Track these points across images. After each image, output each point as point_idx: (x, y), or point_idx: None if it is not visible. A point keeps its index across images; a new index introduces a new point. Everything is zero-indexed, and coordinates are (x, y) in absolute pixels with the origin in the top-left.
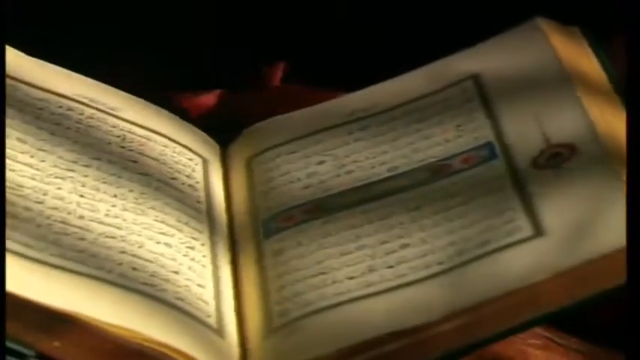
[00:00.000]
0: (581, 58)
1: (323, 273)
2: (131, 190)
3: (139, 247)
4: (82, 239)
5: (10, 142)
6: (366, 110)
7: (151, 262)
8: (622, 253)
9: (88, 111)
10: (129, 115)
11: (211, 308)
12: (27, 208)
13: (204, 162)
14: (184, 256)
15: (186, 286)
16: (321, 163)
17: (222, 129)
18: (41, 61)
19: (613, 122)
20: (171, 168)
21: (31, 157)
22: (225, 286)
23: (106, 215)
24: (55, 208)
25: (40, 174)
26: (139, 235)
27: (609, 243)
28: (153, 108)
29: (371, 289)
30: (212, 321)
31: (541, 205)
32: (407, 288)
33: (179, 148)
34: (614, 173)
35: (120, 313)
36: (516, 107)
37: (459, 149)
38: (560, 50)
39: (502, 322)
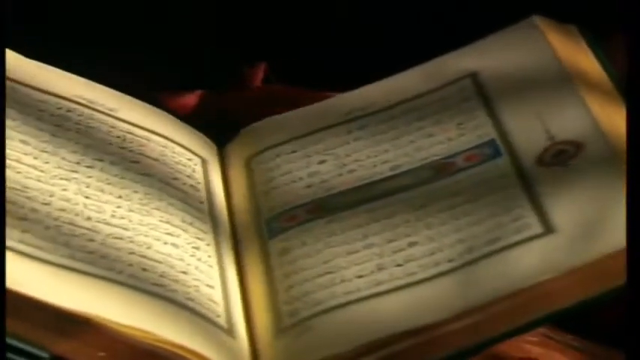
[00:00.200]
0: (580, 56)
1: (331, 272)
2: (135, 191)
3: (147, 247)
4: (91, 240)
5: (14, 144)
6: (363, 109)
7: (159, 262)
8: None
9: (87, 112)
10: (127, 115)
11: (221, 308)
12: (34, 210)
13: (203, 162)
14: (191, 256)
15: (196, 286)
16: (322, 162)
17: (207, 129)
18: (39, 63)
19: (617, 120)
20: (172, 168)
21: (35, 158)
22: (233, 286)
23: (113, 216)
24: (63, 210)
25: (44, 175)
26: (147, 235)
27: (620, 241)
28: (149, 108)
29: (381, 288)
30: (222, 321)
31: (549, 203)
32: (418, 286)
33: (178, 149)
34: (621, 171)
35: (133, 314)
36: (517, 105)
37: (462, 147)
38: (558, 48)
39: (514, 320)
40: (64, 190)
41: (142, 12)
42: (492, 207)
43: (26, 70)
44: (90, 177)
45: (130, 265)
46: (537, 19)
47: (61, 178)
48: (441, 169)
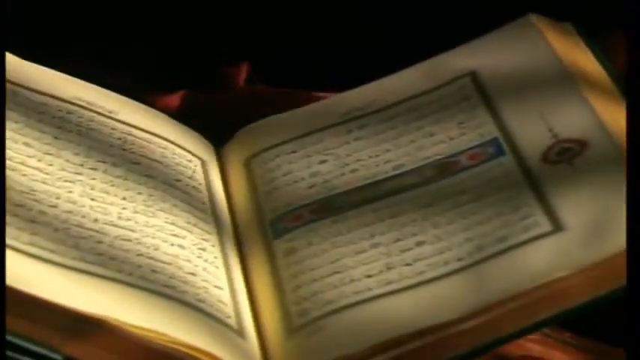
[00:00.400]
0: (578, 54)
1: (339, 272)
2: (139, 193)
3: (155, 249)
4: (100, 242)
5: (17, 147)
6: (362, 109)
7: (168, 264)
8: None
9: (88, 114)
10: (127, 117)
11: (230, 309)
12: (42, 212)
13: (203, 163)
14: (198, 257)
15: (205, 287)
16: (322, 162)
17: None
18: (37, 65)
19: (620, 117)
20: (174, 170)
21: (39, 161)
22: (239, 286)
23: (119, 218)
24: (70, 212)
25: (50, 178)
26: (154, 237)
27: None
28: (148, 110)
29: (391, 287)
30: (232, 322)
31: (557, 201)
32: (428, 285)
33: (178, 150)
34: None
35: (146, 316)
36: (519, 103)
37: (464, 146)
38: (557, 46)
39: (526, 318)
40: (70, 192)
41: (132, 11)
42: (499, 205)
43: (25, 73)
44: (94, 179)
45: (140, 266)
46: (534, 18)
47: (66, 181)
48: (445, 168)
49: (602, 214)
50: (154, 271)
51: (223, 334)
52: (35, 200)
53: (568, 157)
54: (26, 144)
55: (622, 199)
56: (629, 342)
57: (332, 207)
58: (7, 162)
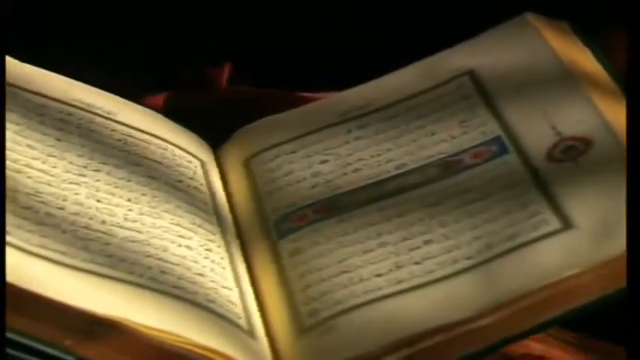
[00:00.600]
0: (576, 52)
1: (347, 271)
2: (143, 194)
3: (163, 250)
4: (108, 244)
5: (21, 149)
6: (360, 109)
7: (176, 265)
8: None
9: (87, 116)
10: (125, 118)
11: (240, 310)
12: (50, 215)
13: (202, 164)
14: (205, 258)
15: (214, 288)
16: (324, 162)
17: None
18: (34, 67)
19: (622, 115)
20: (175, 171)
21: (43, 163)
22: (247, 287)
23: (125, 219)
24: (77, 214)
25: (55, 180)
26: (161, 238)
27: None
28: (145, 111)
29: (401, 286)
30: (243, 322)
31: (565, 199)
32: (439, 284)
33: (178, 151)
34: None
35: (159, 317)
36: (520, 102)
37: (467, 145)
38: (555, 44)
39: (537, 316)
40: (76, 194)
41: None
42: (506, 204)
43: (22, 74)
44: (98, 180)
45: (149, 268)
46: (530, 16)
47: (71, 182)
48: (448, 166)
49: (610, 212)
50: (163, 272)
51: (235, 334)
52: (42, 202)
53: (573, 155)
54: (29, 146)
55: None
56: (629, 342)
57: (336, 207)
58: (13, 164)
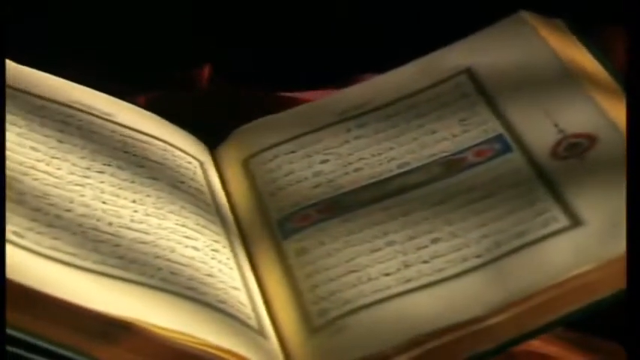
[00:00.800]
0: (574, 50)
1: (355, 271)
2: (148, 195)
3: (171, 251)
4: (117, 246)
5: (24, 151)
6: (358, 108)
7: (186, 266)
8: None
9: (87, 117)
10: (123, 120)
11: (249, 310)
12: (58, 217)
13: (201, 164)
14: (212, 259)
15: (223, 288)
16: (324, 162)
17: None
18: (32, 69)
19: (624, 111)
20: (176, 172)
21: (47, 165)
22: (254, 287)
23: (132, 221)
24: (85, 216)
25: (61, 182)
26: (168, 239)
27: None
28: (143, 112)
29: (410, 285)
30: (253, 322)
31: (572, 196)
32: (449, 282)
33: (177, 152)
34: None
35: (172, 318)
36: (520, 100)
37: (469, 143)
38: (552, 42)
39: (549, 314)
40: (82, 195)
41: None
42: (512, 202)
43: (20, 76)
44: (102, 182)
45: (159, 269)
46: (525, 14)
47: (76, 184)
48: (452, 165)
49: (620, 208)
50: (173, 273)
51: (247, 334)
52: (50, 204)
53: (577, 152)
54: (33, 148)
55: None
56: (629, 342)
57: (340, 206)
58: (18, 166)
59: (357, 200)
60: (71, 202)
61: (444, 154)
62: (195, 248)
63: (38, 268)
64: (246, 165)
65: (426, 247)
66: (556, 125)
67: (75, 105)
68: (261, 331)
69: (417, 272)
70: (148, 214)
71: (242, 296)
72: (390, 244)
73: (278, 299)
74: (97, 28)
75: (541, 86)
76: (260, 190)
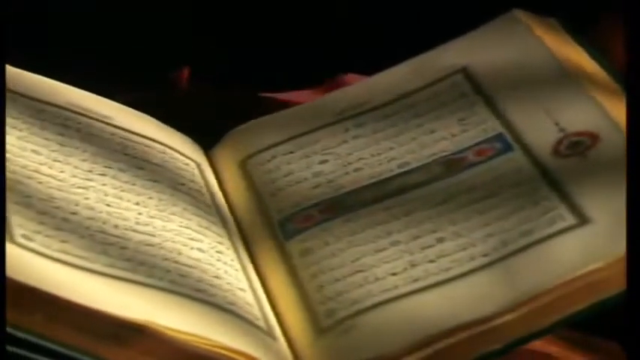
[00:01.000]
0: (569, 48)
1: (361, 271)
2: (150, 198)
3: (178, 253)
4: (125, 248)
5: (27, 155)
6: (355, 108)
7: (193, 268)
8: None
9: (85, 120)
10: (121, 122)
11: (257, 311)
12: (66, 220)
13: (198, 166)
14: (217, 260)
15: (231, 290)
16: (323, 162)
17: None
18: (29, 72)
19: (622, 107)
20: (176, 174)
21: (50, 168)
22: (259, 288)
23: (137, 223)
24: (91, 219)
25: (64, 185)
26: (174, 241)
27: None
28: (137, 114)
29: (418, 285)
30: (262, 323)
31: (578, 193)
32: (457, 281)
33: (175, 154)
34: None
35: (184, 320)
36: (518, 99)
37: (469, 142)
38: (547, 41)
39: (559, 312)
40: (86, 198)
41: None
42: (516, 201)
43: (19, 80)
44: (104, 185)
45: (168, 271)
46: (519, 13)
47: (80, 187)
48: (452, 164)
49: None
50: (181, 275)
51: (257, 335)
52: (56, 208)
53: (580, 150)
54: (35, 151)
55: None
56: (629, 342)
57: (342, 206)
58: (22, 170)
59: (358, 200)
60: (76, 205)
61: (444, 154)
62: (201, 250)
63: (49, 271)
64: (243, 166)
65: (431, 246)
66: (557, 124)
67: (73, 108)
68: (269, 332)
69: (424, 272)
70: (152, 217)
71: (249, 297)
72: (395, 243)
73: (283, 300)
74: (74, 29)
75: (539, 85)
76: (259, 191)
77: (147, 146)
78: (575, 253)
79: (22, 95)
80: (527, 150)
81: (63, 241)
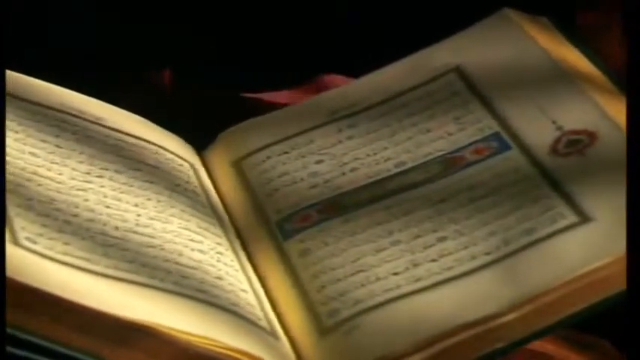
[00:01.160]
0: (561, 46)
1: (362, 270)
2: (148, 199)
3: (179, 254)
4: (126, 250)
5: (25, 157)
6: (348, 108)
7: (195, 269)
8: None
9: (79, 122)
10: (114, 124)
11: (259, 311)
12: (67, 222)
13: (192, 167)
14: (218, 261)
15: (233, 291)
16: (319, 162)
17: None
18: (20, 74)
19: (623, 107)
20: (171, 175)
21: (48, 170)
22: (259, 288)
23: (137, 225)
24: (91, 221)
25: (64, 187)
26: (174, 243)
27: None
28: (128, 115)
29: (421, 284)
30: (264, 324)
31: (578, 192)
32: (460, 280)
33: (169, 155)
34: None
35: (188, 321)
36: (513, 98)
37: (466, 141)
38: (539, 39)
39: (563, 310)
40: (86, 200)
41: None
42: (516, 199)
43: (14, 82)
44: (103, 187)
45: (170, 272)
46: (509, 12)
47: (79, 189)
48: (450, 163)
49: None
50: (184, 276)
51: (261, 336)
52: (57, 210)
53: (578, 148)
54: (32, 154)
55: None
56: (629, 342)
57: (340, 206)
58: (21, 172)
59: (356, 200)
60: (76, 207)
61: (441, 153)
62: (201, 251)
63: (53, 273)
64: (237, 166)
65: (432, 245)
66: (554, 122)
67: (66, 110)
68: (272, 333)
69: (426, 271)
70: (151, 218)
71: (250, 298)
72: (396, 243)
73: (284, 300)
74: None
75: (534, 84)
76: (255, 192)
77: (141, 147)
78: (577, 252)
79: (16, 97)
80: (524, 149)
81: (66, 244)
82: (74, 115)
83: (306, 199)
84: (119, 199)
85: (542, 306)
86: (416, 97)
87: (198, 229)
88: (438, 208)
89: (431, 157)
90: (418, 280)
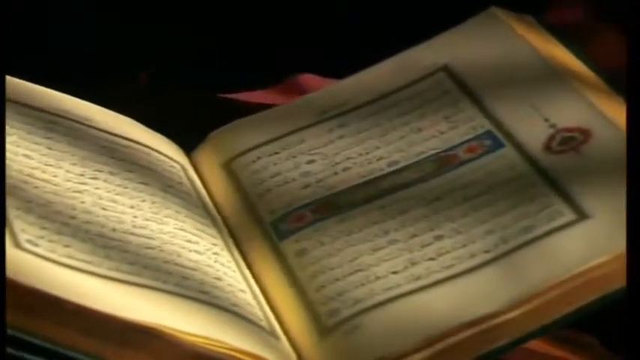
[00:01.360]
0: (549, 44)
1: (361, 270)
2: (143, 200)
3: (178, 256)
4: (126, 251)
5: (19, 159)
6: (337, 108)
7: (194, 270)
8: None
9: (68, 123)
10: (103, 125)
11: (258, 311)
12: (66, 224)
13: (183, 168)
14: (215, 262)
15: (232, 291)
16: (310, 162)
17: None
18: (11, 77)
19: (616, 105)
20: (163, 176)
21: (43, 172)
22: (256, 289)
23: (134, 226)
24: (89, 222)
25: (60, 189)
26: (172, 244)
27: None
28: (116, 116)
29: (420, 283)
30: (265, 324)
31: (575, 189)
32: (460, 278)
33: (160, 156)
34: None
35: (192, 322)
36: (504, 96)
37: (458, 140)
38: (528, 37)
39: (563, 307)
40: (82, 202)
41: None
42: (511, 197)
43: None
44: (98, 188)
45: (170, 274)
46: (497, 11)
47: (75, 191)
48: (444, 162)
49: (624, 200)
50: (184, 278)
51: (261, 335)
52: (56, 212)
53: (573, 145)
54: (26, 156)
55: None
56: (628, 342)
57: (335, 206)
58: (18, 174)
59: (350, 200)
60: (74, 209)
61: (434, 152)
62: (198, 252)
63: (56, 275)
64: (228, 167)
65: (430, 244)
66: (546, 120)
67: (55, 111)
68: (273, 333)
69: (425, 270)
70: (147, 219)
71: (249, 298)
72: (393, 242)
73: (282, 300)
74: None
75: (524, 82)
76: (247, 192)
77: (132, 149)
78: (577, 249)
79: (8, 99)
80: (518, 146)
81: (66, 246)
82: (62, 116)
83: (299, 200)
84: (115, 201)
85: (541, 304)
86: (406, 96)
87: (194, 230)
88: (433, 207)
89: (424, 155)
90: (418, 278)
